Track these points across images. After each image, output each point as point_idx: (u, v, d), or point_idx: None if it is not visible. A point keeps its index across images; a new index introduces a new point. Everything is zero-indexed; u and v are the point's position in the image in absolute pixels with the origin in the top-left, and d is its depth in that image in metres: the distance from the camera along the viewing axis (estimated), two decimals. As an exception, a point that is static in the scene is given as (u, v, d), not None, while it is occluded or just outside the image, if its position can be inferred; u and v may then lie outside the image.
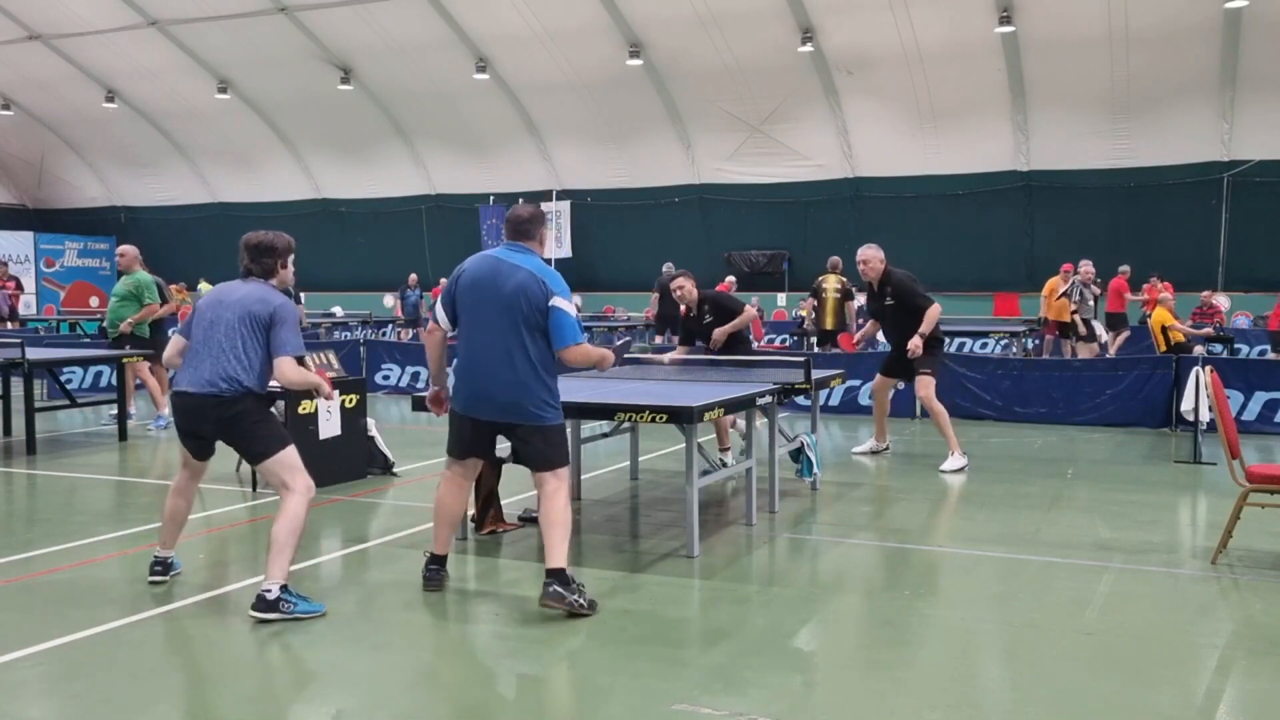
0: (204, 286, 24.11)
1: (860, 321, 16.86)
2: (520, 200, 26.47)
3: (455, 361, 5.42)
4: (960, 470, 9.05)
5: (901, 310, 9.08)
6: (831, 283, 16.10)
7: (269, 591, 5.03)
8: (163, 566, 5.67)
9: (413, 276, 24.43)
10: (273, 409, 5.39)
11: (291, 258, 5.50)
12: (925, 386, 9.17)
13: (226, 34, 25.35)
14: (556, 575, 5.14)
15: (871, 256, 9.06)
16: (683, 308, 9.07)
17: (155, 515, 7.37)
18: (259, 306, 5.21)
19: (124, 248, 12.35)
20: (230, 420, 5.23)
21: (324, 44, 25.35)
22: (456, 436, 5.50)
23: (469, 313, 5.31)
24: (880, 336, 10.07)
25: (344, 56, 25.80)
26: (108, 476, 9.02)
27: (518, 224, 5.46)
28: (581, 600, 5.12)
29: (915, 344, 8.83)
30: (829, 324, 16.01)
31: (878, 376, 9.94)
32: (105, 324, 12.05)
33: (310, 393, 6.06)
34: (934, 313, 9.02)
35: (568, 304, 5.24)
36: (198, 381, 5.21)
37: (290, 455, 5.31)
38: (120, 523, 7.26)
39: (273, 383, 5.38)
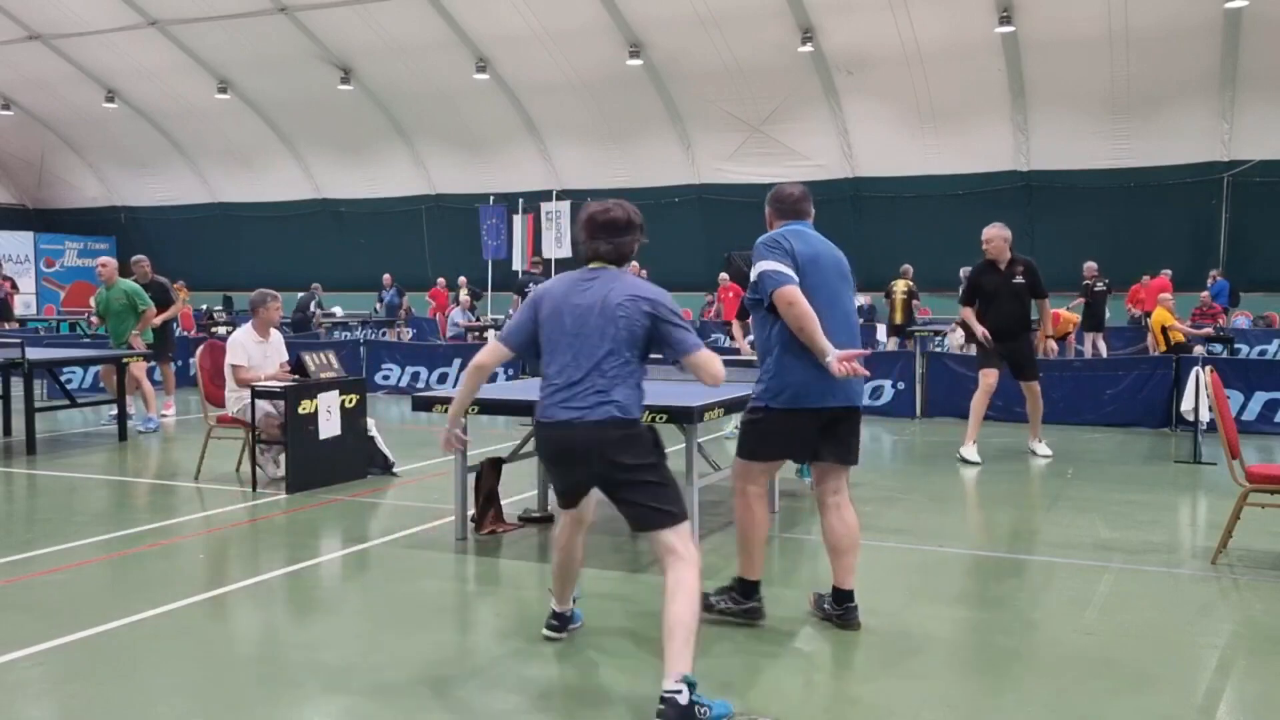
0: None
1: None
2: (520, 200, 26.63)
3: (785, 351, 4.77)
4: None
5: (1027, 293, 9.26)
6: (900, 285, 19.13)
7: (679, 694, 3.78)
8: (559, 620, 4.90)
9: (386, 277, 24.65)
10: None
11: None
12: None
13: (226, 34, 25.35)
14: (850, 595, 5.00)
15: (990, 236, 9.30)
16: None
17: (155, 515, 7.39)
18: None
19: (105, 260, 12.38)
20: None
21: (324, 44, 25.36)
22: (787, 438, 4.90)
23: (823, 291, 4.75)
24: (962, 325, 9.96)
25: (344, 56, 25.80)
26: (108, 476, 9.02)
27: (795, 203, 5.02)
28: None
29: (1053, 347, 9.37)
30: (898, 319, 19.01)
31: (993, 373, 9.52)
32: (112, 342, 12.12)
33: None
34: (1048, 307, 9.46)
35: None
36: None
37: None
38: (120, 523, 7.26)
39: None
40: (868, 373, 4.79)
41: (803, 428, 4.85)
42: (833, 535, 4.99)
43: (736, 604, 5.05)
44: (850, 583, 4.98)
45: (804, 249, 4.80)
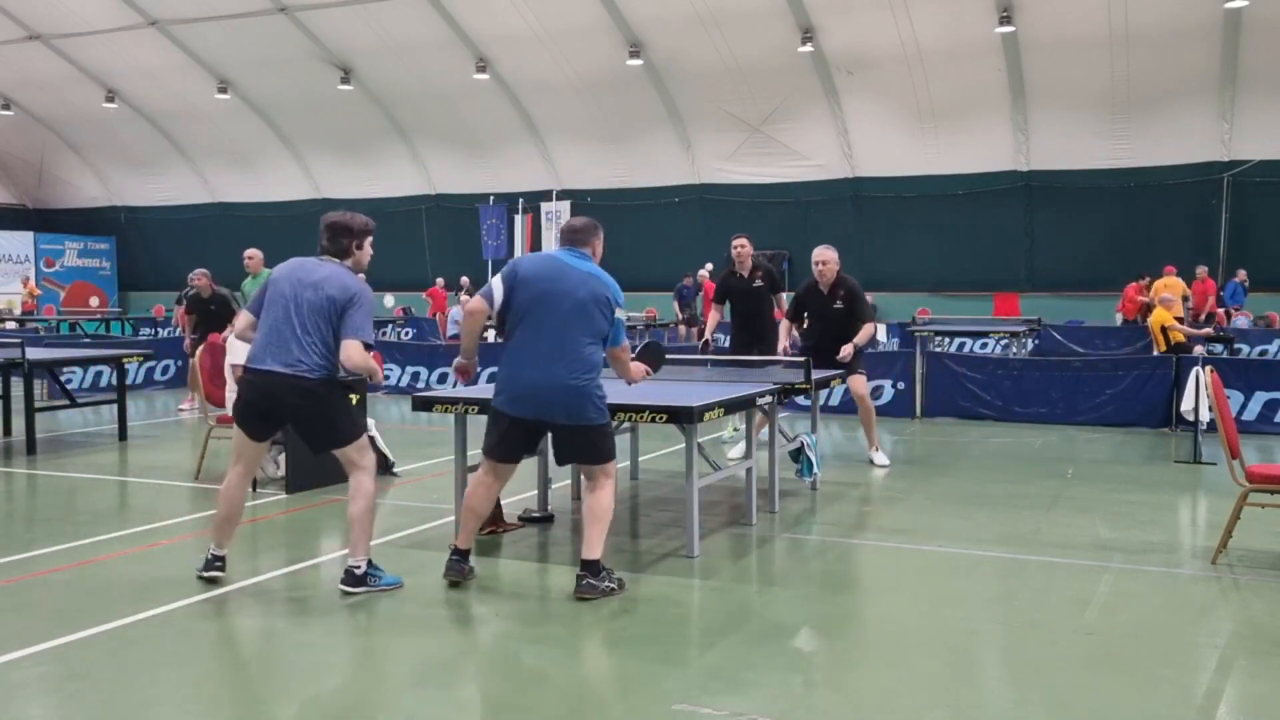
0: None
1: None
2: (520, 200, 26.69)
3: (510, 359, 5.44)
4: (885, 467, 9.24)
5: (849, 316, 9.05)
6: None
7: (357, 567, 5.37)
8: (221, 563, 5.66)
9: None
10: (347, 394, 5.59)
11: (369, 239, 5.59)
12: (863, 384, 9.35)
13: (226, 34, 25.35)
14: (590, 567, 5.41)
15: (831, 258, 9.05)
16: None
17: (155, 515, 7.39)
18: (339, 291, 5.26)
19: (251, 251, 12.57)
20: (309, 404, 5.28)
21: (324, 44, 25.35)
22: (497, 435, 5.52)
23: (532, 311, 5.38)
24: (794, 335, 9.87)
25: (344, 56, 25.80)
26: (108, 476, 9.02)
27: (574, 233, 5.68)
28: (612, 584, 5.42)
29: (848, 351, 8.80)
30: None
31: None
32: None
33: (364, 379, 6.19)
34: (871, 329, 9.21)
35: (622, 313, 5.62)
36: (281, 360, 5.23)
37: (364, 439, 5.49)
38: (121, 523, 7.26)
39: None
40: (462, 380, 5.77)
41: (511, 429, 5.46)
42: (585, 509, 5.56)
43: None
44: (589, 554, 5.41)
45: (528, 273, 5.46)
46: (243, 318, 5.58)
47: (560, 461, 5.74)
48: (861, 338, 8.91)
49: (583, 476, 5.63)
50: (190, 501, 7.98)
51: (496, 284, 5.46)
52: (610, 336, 5.51)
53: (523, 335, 5.39)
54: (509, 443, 5.51)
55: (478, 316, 5.56)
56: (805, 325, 9.48)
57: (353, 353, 5.22)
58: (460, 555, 5.63)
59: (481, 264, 26.61)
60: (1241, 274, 21.21)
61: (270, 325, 5.31)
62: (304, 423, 5.42)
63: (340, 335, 5.25)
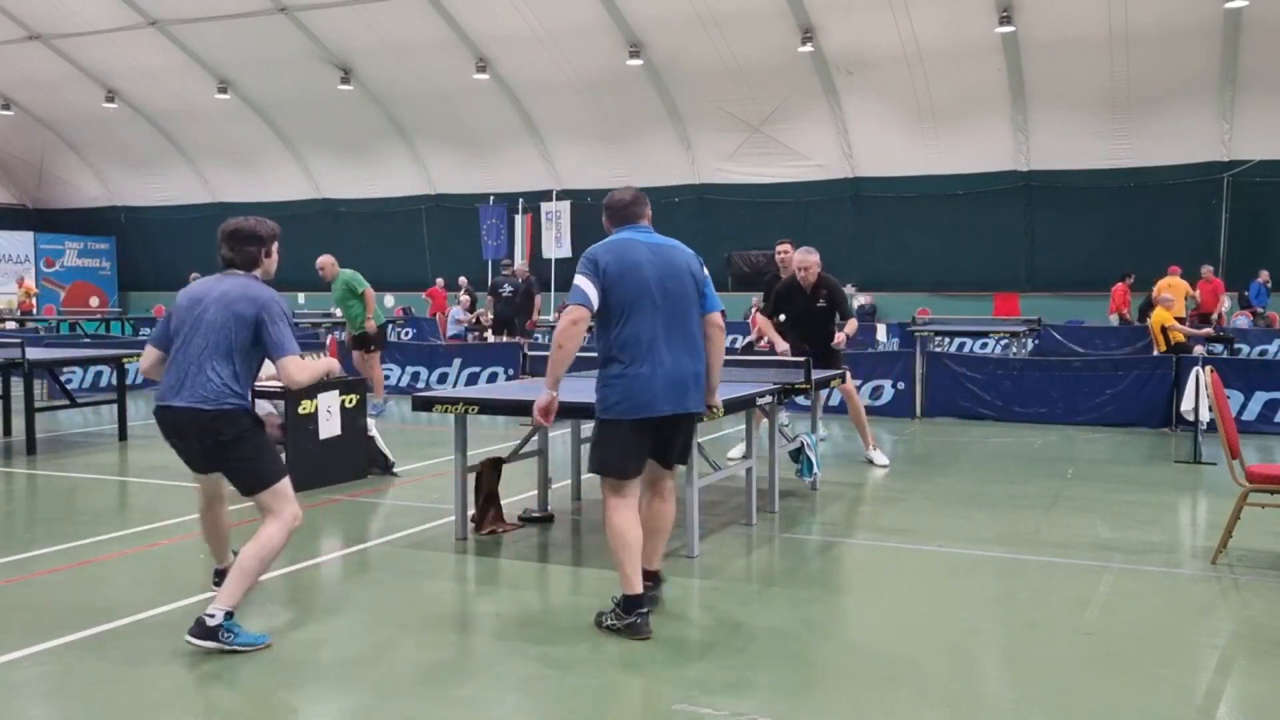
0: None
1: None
2: (520, 200, 26.64)
3: (627, 358, 4.89)
4: (885, 467, 9.38)
5: (831, 314, 9.16)
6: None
7: (211, 616, 4.56)
8: (220, 577, 5.30)
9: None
10: (264, 428, 4.94)
11: (276, 245, 4.95)
12: (847, 380, 9.44)
13: (226, 34, 25.35)
14: (653, 576, 5.23)
15: (813, 262, 9.15)
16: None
17: (155, 515, 7.41)
18: (246, 304, 4.66)
19: (322, 260, 12.68)
20: (222, 444, 4.69)
21: (324, 44, 25.35)
22: (626, 450, 4.95)
23: (640, 305, 4.89)
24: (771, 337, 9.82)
25: (344, 56, 25.80)
26: (108, 476, 9.02)
27: (625, 208, 5.12)
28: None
29: (841, 339, 8.95)
30: None
31: None
32: (351, 332, 12.82)
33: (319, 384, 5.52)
34: (855, 322, 9.48)
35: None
36: (183, 395, 4.65)
37: (285, 485, 4.79)
38: (121, 523, 7.27)
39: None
40: (546, 423, 5.19)
41: (648, 434, 4.97)
42: (657, 516, 5.23)
43: (619, 619, 4.90)
44: (654, 565, 5.20)
45: (614, 263, 4.91)
46: (147, 354, 4.90)
47: (674, 461, 5.22)
48: (850, 329, 9.22)
49: (658, 481, 5.17)
50: (190, 502, 7.96)
51: (587, 286, 4.86)
52: (706, 299, 5.10)
53: (637, 332, 4.88)
54: (640, 450, 4.97)
55: (582, 325, 4.86)
56: (788, 324, 9.51)
57: (291, 371, 4.66)
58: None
59: (481, 264, 26.64)
60: (1264, 275, 21.13)
61: (173, 359, 4.74)
62: (219, 462, 4.80)
63: (271, 358, 4.71)
